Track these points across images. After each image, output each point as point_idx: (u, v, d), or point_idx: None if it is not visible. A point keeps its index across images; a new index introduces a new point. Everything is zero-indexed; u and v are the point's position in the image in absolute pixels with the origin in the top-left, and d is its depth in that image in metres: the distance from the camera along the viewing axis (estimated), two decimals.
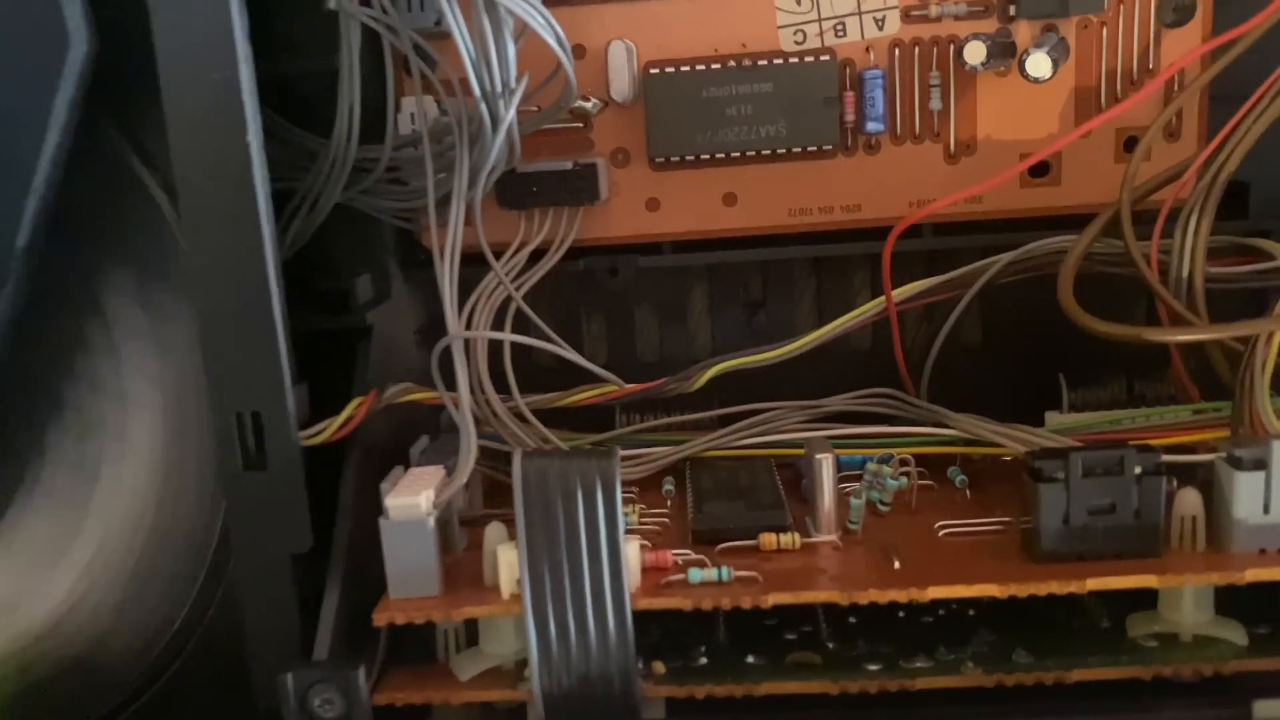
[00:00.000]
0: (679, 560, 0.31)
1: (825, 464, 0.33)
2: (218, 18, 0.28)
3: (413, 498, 0.30)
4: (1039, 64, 0.35)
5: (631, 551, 0.30)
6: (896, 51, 0.37)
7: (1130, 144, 0.38)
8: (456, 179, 0.33)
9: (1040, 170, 0.38)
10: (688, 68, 0.37)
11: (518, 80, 0.31)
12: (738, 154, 0.38)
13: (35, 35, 0.28)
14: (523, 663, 0.31)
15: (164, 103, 0.28)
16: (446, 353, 0.33)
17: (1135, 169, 0.35)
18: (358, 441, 0.34)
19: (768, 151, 0.38)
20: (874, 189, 0.38)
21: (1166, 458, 0.31)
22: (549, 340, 0.36)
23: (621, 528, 0.29)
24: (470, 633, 0.32)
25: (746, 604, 0.30)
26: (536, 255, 0.38)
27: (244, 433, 0.30)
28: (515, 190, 0.37)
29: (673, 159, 0.38)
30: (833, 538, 0.33)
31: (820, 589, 0.30)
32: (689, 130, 0.37)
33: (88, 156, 0.30)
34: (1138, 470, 0.30)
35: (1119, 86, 0.37)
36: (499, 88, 0.31)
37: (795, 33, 0.37)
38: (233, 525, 0.31)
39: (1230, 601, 0.31)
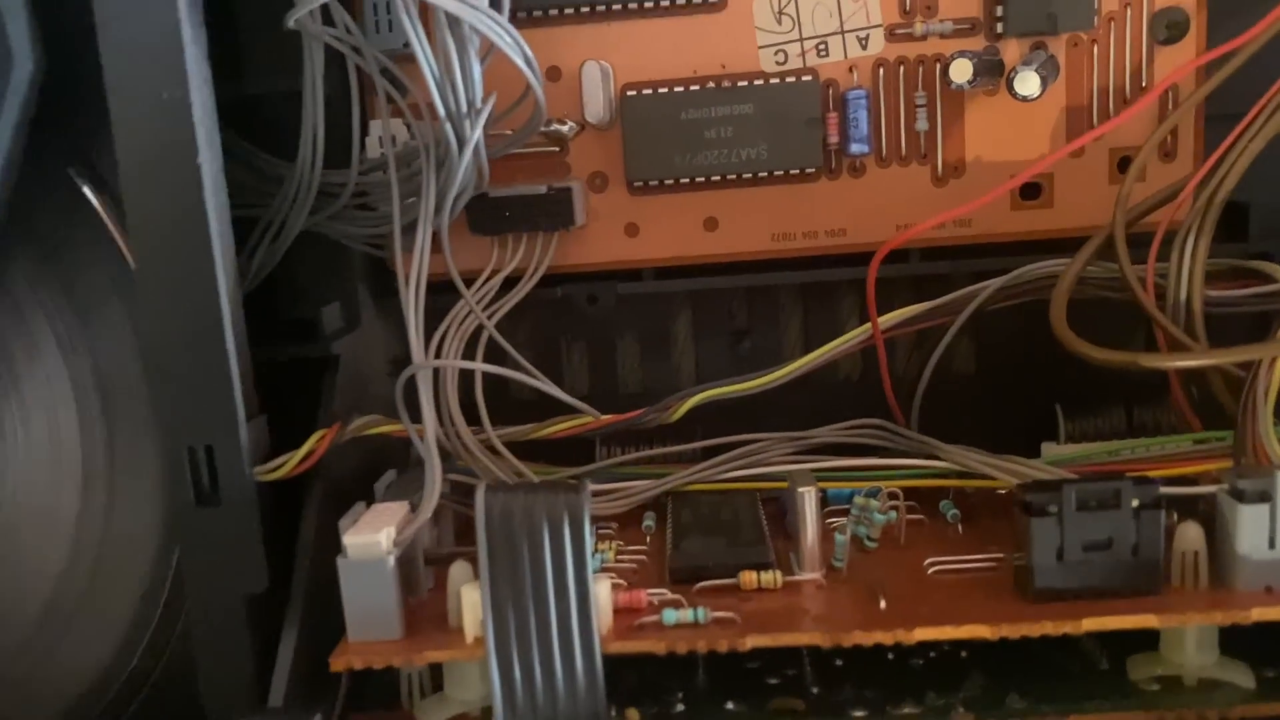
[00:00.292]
0: (654, 600, 0.30)
1: (808, 498, 0.32)
2: (167, 36, 0.27)
3: (372, 535, 0.28)
4: (1028, 82, 0.34)
5: (602, 592, 0.28)
6: (881, 71, 0.36)
7: (1124, 164, 0.37)
8: (423, 203, 0.31)
9: (1032, 192, 0.37)
10: (666, 89, 0.36)
11: (484, 101, 0.30)
12: (718, 177, 0.37)
13: None
14: (490, 709, 0.29)
15: (113, 124, 0.27)
16: (416, 383, 0.32)
17: (1129, 189, 0.34)
18: (320, 476, 0.32)
19: (749, 175, 0.36)
20: (859, 213, 0.37)
21: (1165, 490, 0.29)
22: (522, 370, 0.35)
23: (591, 567, 0.28)
24: (436, 677, 0.31)
25: (723, 647, 0.28)
26: (513, 283, 0.37)
27: (196, 467, 0.29)
28: (487, 215, 0.36)
29: (651, 183, 0.37)
30: (817, 576, 0.31)
31: (802, 631, 0.29)
32: (668, 153, 0.36)
33: (34, 177, 0.29)
34: (1135, 503, 0.29)
35: (1111, 105, 0.36)
36: (465, 108, 0.30)
37: (776, 53, 0.36)
38: (185, 564, 0.30)
39: (1236, 642, 0.30)
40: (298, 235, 0.35)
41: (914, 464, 0.35)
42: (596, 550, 0.33)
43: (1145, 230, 0.34)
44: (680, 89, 0.36)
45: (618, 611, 0.29)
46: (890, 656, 0.32)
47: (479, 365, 0.34)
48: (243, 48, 0.33)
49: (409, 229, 0.32)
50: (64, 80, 0.28)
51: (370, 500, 0.32)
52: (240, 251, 0.32)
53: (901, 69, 0.36)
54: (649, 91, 0.36)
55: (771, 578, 0.31)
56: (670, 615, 0.29)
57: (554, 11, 0.36)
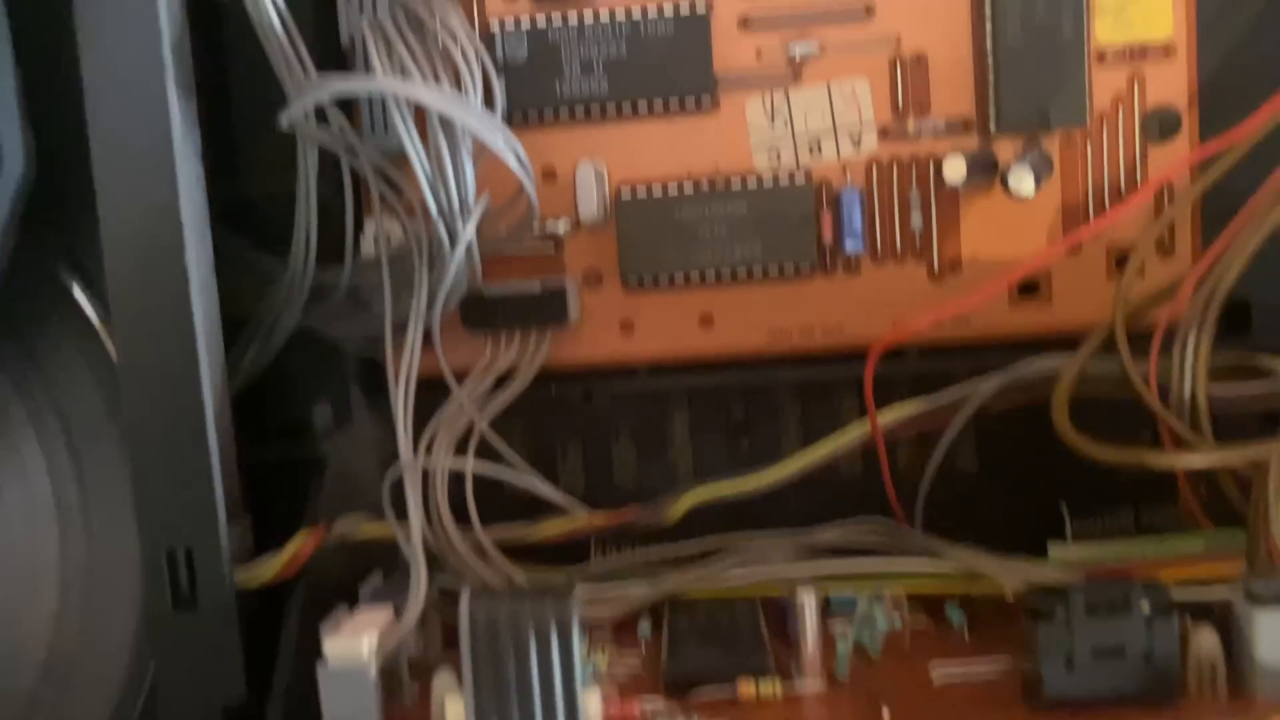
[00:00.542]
0: (647, 712, 0.29)
1: (808, 606, 0.31)
2: (158, 138, 0.27)
3: (354, 642, 0.27)
4: (1022, 180, 0.34)
5: (591, 704, 0.27)
6: (874, 170, 0.36)
7: (1122, 261, 0.36)
8: (415, 300, 0.31)
9: (1030, 289, 0.37)
10: (659, 189, 0.36)
11: (477, 200, 0.30)
12: (713, 275, 0.36)
13: None
14: None
15: (100, 223, 0.27)
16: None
17: (1127, 286, 0.34)
18: (304, 580, 0.31)
19: (744, 272, 0.36)
20: (856, 310, 0.37)
21: (1178, 594, 0.28)
22: (514, 469, 0.34)
23: (580, 678, 0.27)
24: None
25: None
26: (506, 380, 0.36)
27: (175, 570, 0.28)
28: (481, 312, 0.35)
29: (646, 280, 0.37)
30: (818, 686, 0.30)
31: None
32: (662, 251, 0.36)
33: (20, 272, 0.29)
34: (1146, 608, 0.28)
35: (1107, 201, 0.36)
36: (458, 208, 0.30)
37: (769, 153, 0.36)
38: (160, 671, 0.29)
39: None
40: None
41: (918, 567, 0.34)
42: (588, 657, 0.32)
43: (1147, 327, 0.34)
44: (674, 189, 0.36)
45: None
46: None
47: (468, 464, 0.33)
48: (237, 147, 0.33)
49: (401, 327, 0.32)
50: (52, 177, 0.28)
51: (355, 604, 0.31)
52: (231, 351, 0.32)
53: (895, 167, 0.36)
54: (643, 191, 0.36)
55: (771, 688, 0.30)
56: None
57: (548, 114, 0.36)
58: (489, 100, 0.30)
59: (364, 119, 0.33)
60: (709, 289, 0.37)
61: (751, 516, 0.36)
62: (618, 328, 0.37)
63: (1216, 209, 0.35)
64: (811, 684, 0.30)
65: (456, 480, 0.34)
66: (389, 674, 0.29)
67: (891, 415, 0.35)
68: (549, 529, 0.34)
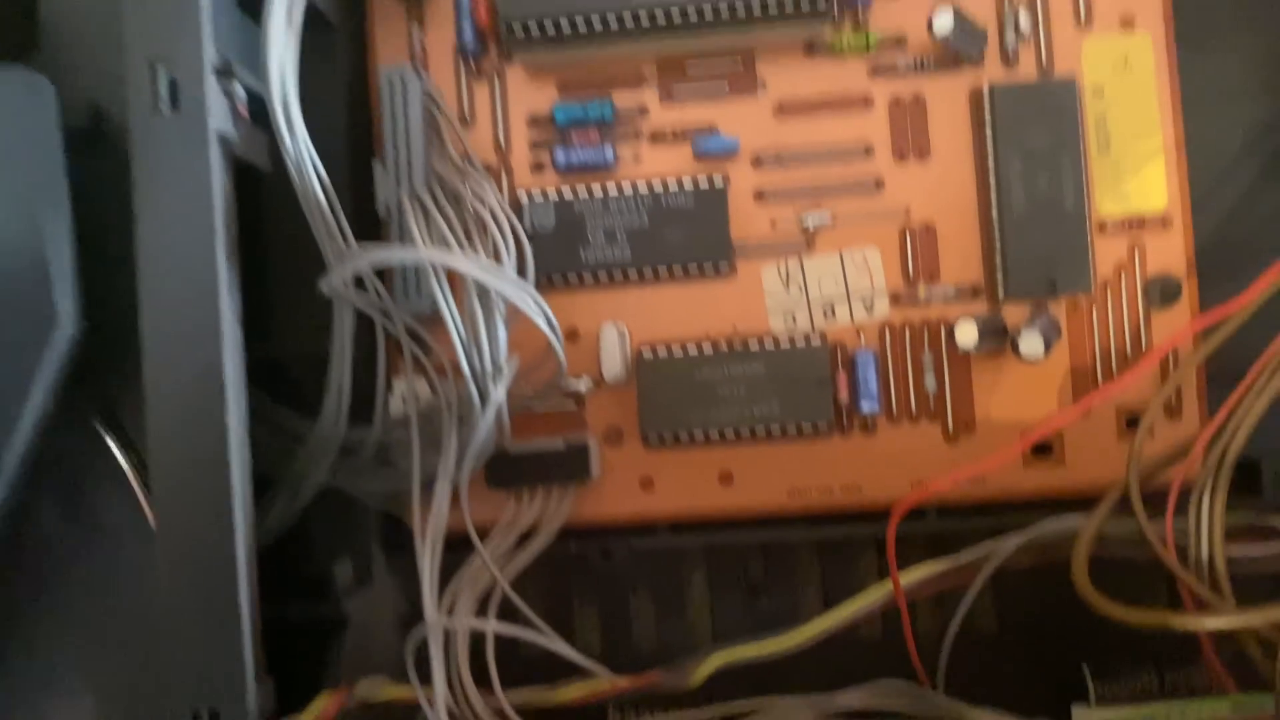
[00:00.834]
0: None
1: None
2: (206, 302, 0.28)
3: None
4: (1032, 344, 0.35)
5: None
6: (888, 333, 0.38)
7: (1132, 422, 0.37)
8: (443, 459, 0.32)
9: (1043, 449, 0.37)
10: (679, 350, 0.37)
11: (508, 362, 0.31)
12: (732, 433, 0.37)
13: (23, 313, 0.28)
14: None
15: (144, 384, 0.28)
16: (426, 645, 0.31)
17: (1140, 449, 0.35)
18: None
19: (763, 431, 0.37)
20: (873, 469, 0.37)
21: None
22: (536, 629, 0.34)
23: None
24: None
25: None
26: (524, 537, 0.36)
27: None
28: (504, 469, 0.36)
29: (666, 438, 0.37)
30: None
31: None
32: (682, 410, 0.37)
33: (61, 427, 0.29)
34: None
35: (1114, 364, 0.37)
36: (490, 369, 0.31)
37: (785, 316, 0.38)
38: None
39: None
40: None
41: None
42: None
43: (1161, 486, 0.34)
44: (693, 350, 0.37)
45: None
46: None
47: (492, 625, 0.33)
48: (271, 309, 0.34)
49: (427, 485, 0.33)
50: (95, 336, 0.29)
51: None
52: (256, 509, 0.33)
53: (908, 331, 0.38)
54: (663, 352, 0.37)
55: None
56: None
57: (573, 278, 0.37)
58: (521, 267, 0.32)
59: (397, 283, 0.35)
60: (728, 447, 0.38)
61: (770, 677, 0.36)
62: (638, 485, 0.38)
63: (1221, 371, 0.36)
64: None
65: (475, 639, 0.34)
66: None
67: (913, 575, 0.35)
68: (571, 692, 0.34)
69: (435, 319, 0.33)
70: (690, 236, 0.37)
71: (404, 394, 0.35)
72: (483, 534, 0.35)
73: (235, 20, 0.31)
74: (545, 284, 0.37)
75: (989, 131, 0.37)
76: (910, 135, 0.38)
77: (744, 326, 0.38)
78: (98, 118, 0.29)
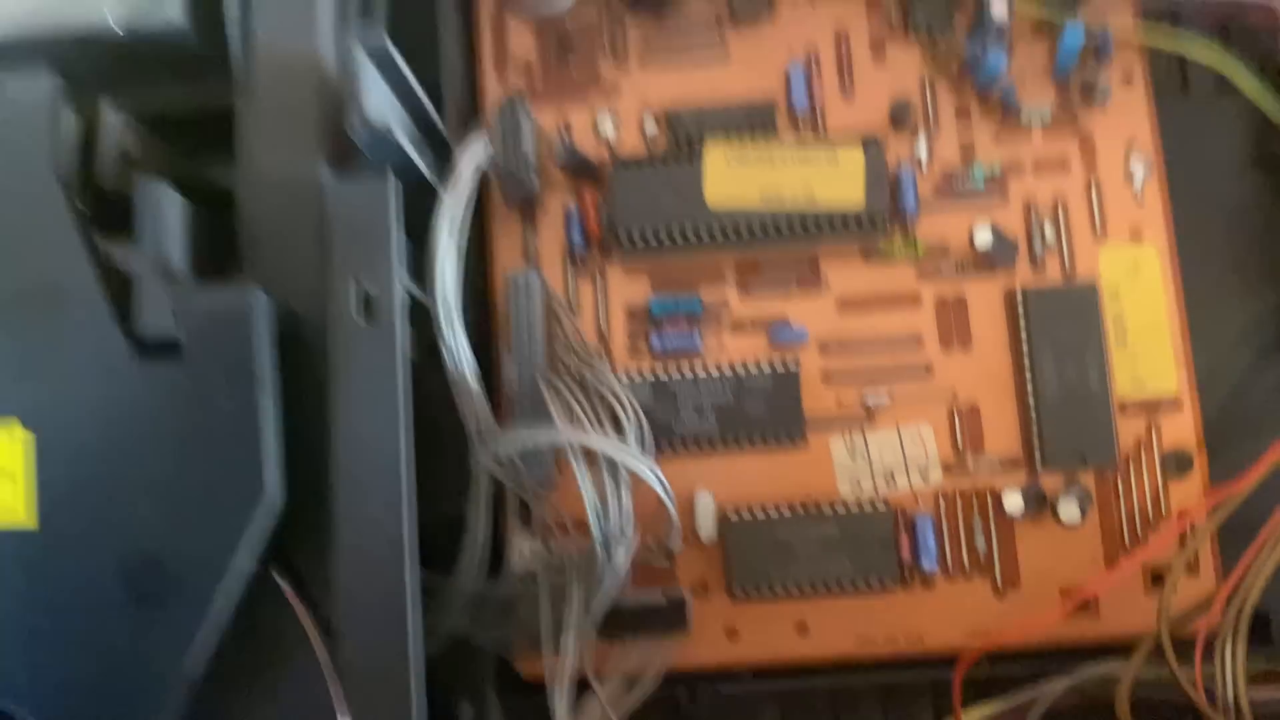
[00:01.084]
0: None
1: None
2: (392, 483, 0.33)
3: None
4: (1069, 511, 0.41)
5: None
6: (941, 500, 0.43)
7: (1157, 579, 0.42)
8: (573, 613, 0.36)
9: (1080, 603, 0.43)
10: (761, 513, 0.42)
11: (633, 528, 0.36)
12: (809, 587, 0.42)
13: (231, 482, 0.33)
14: None
15: (335, 549, 0.33)
16: None
17: (1167, 603, 0.40)
18: None
19: (835, 585, 0.42)
20: (932, 621, 0.42)
21: None
22: None
23: None
24: None
25: None
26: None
27: None
28: (612, 621, 0.41)
29: (750, 592, 0.42)
30: None
31: None
32: (764, 567, 0.42)
33: (259, 595, 0.34)
34: None
35: (1138, 526, 0.43)
36: (616, 532, 0.36)
37: (852, 483, 0.43)
38: None
39: None
40: None
41: None
42: None
43: (1187, 635, 0.40)
44: (774, 513, 0.42)
45: None
46: None
47: None
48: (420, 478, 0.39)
49: (549, 636, 0.37)
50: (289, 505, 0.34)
51: None
52: None
53: (959, 498, 0.43)
54: (747, 514, 0.42)
55: None
56: None
57: (666, 447, 0.43)
58: (641, 442, 0.37)
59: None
60: (804, 600, 0.42)
61: None
62: (723, 634, 0.43)
63: (1231, 530, 0.41)
64: None
65: None
66: None
67: (972, 717, 0.40)
68: None
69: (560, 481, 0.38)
70: (768, 412, 0.43)
71: (527, 552, 0.40)
72: (583, 683, 0.40)
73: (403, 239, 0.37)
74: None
75: (1023, 327, 0.43)
76: (954, 328, 0.44)
77: (816, 492, 0.43)
78: (294, 322, 0.35)
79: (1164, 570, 0.42)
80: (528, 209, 0.45)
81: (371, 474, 0.33)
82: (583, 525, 0.38)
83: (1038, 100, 0.45)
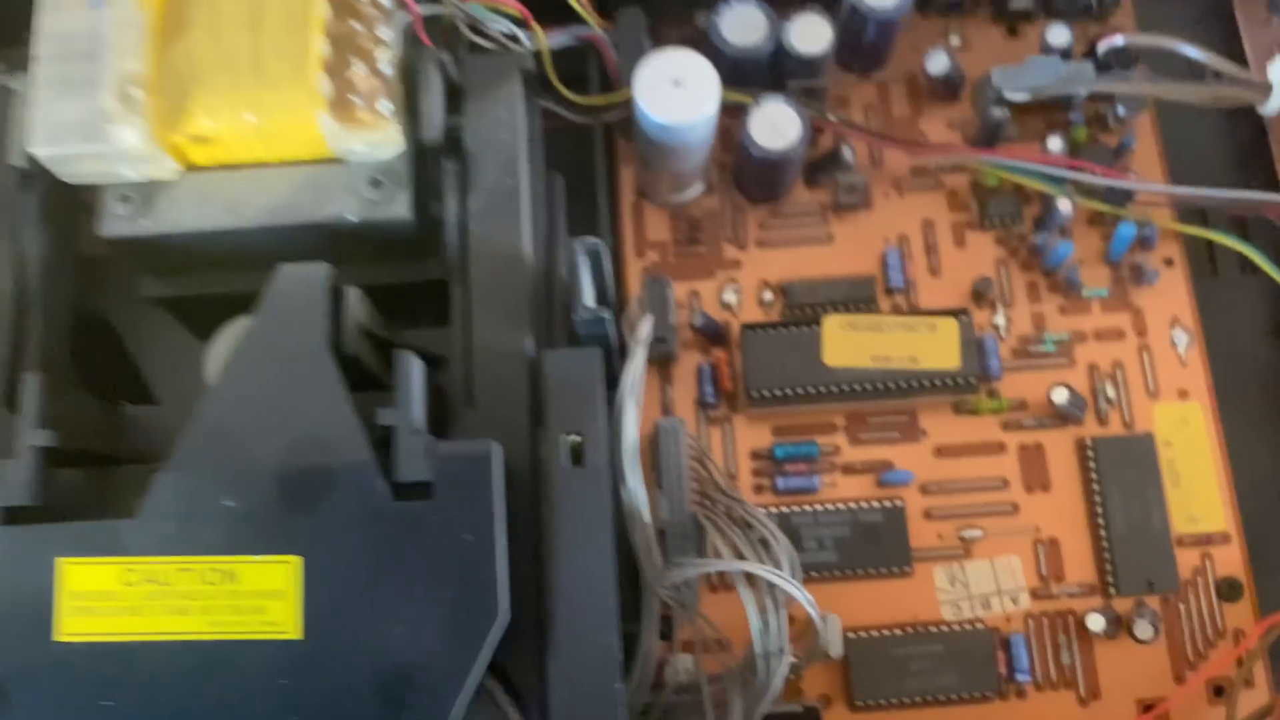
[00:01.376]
0: None
1: None
2: (604, 603, 0.39)
3: None
4: (1145, 631, 0.48)
5: None
6: (1030, 621, 0.50)
7: (1218, 690, 0.49)
8: None
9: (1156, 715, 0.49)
10: (878, 634, 0.49)
11: (790, 646, 0.43)
12: (920, 699, 0.48)
13: (471, 603, 0.38)
14: None
15: (551, 662, 0.39)
16: None
17: (1232, 714, 0.46)
18: None
19: (944, 697, 0.48)
20: None
21: None
22: None
23: None
24: None
25: None
26: None
27: None
28: None
29: (870, 704, 0.48)
30: None
31: None
32: (882, 681, 0.48)
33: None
34: None
35: (1199, 643, 0.49)
36: (775, 650, 0.42)
37: (953, 607, 0.50)
38: None
39: None
40: None
41: None
42: None
43: None
44: (889, 633, 0.49)
45: None
46: None
47: None
48: None
49: None
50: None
51: None
52: None
53: (1045, 619, 0.50)
54: (865, 635, 0.49)
55: None
56: None
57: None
58: (793, 569, 0.44)
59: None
60: (916, 710, 0.49)
61: None
62: None
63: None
64: None
65: None
66: None
67: None
68: None
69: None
70: (879, 544, 0.50)
71: (683, 667, 0.46)
72: None
73: None
74: None
75: (1093, 470, 0.50)
76: (1035, 472, 0.51)
77: (924, 615, 0.50)
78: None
79: (1225, 683, 0.49)
80: (664, 366, 0.53)
81: (586, 594, 0.39)
82: (719, 642, 0.44)
83: (1096, 280, 0.53)
